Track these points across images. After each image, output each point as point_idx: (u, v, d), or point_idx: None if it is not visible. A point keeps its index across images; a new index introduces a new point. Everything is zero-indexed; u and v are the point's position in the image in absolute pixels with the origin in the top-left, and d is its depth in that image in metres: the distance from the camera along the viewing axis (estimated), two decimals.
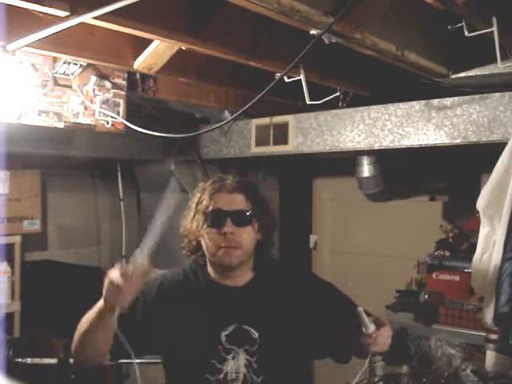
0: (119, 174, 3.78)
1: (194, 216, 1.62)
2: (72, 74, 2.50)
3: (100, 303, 1.48)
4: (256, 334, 1.54)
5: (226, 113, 3.19)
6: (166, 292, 1.62)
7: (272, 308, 1.59)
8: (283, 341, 1.56)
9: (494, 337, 2.14)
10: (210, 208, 1.57)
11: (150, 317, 1.57)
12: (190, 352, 1.53)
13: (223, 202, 1.57)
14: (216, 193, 1.60)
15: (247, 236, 1.57)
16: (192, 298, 1.60)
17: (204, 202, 1.60)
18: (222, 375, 1.50)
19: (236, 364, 1.51)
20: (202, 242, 1.60)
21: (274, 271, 1.69)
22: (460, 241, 3.08)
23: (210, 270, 1.64)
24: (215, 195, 1.59)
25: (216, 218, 1.56)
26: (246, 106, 1.97)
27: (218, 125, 2.57)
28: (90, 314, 1.53)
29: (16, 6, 1.64)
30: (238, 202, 1.58)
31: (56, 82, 2.49)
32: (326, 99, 2.34)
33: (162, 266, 3.81)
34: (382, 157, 3.05)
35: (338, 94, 2.62)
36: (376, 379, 2.84)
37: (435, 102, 2.53)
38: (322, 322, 1.60)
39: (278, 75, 1.94)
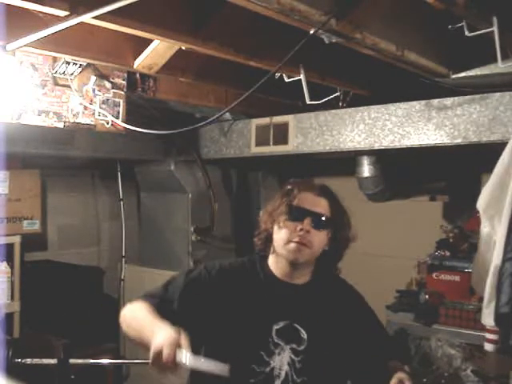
0: (119, 174, 3.78)
1: (278, 206, 1.64)
2: (72, 74, 2.50)
3: (150, 335, 1.36)
4: (305, 335, 1.56)
5: (227, 113, 3.19)
6: (224, 278, 1.63)
7: (324, 313, 1.62)
8: (329, 347, 1.58)
9: (494, 337, 2.14)
10: (295, 202, 1.61)
11: (206, 299, 1.58)
12: (241, 340, 1.54)
13: (308, 201, 1.61)
14: (305, 190, 1.65)
15: (319, 239, 1.60)
16: (248, 288, 1.62)
17: (291, 195, 1.63)
18: (268, 369, 1.51)
19: (280, 361, 1.53)
20: (275, 233, 1.62)
21: (330, 281, 1.72)
22: (460, 241, 3.08)
23: (271, 263, 1.65)
24: (303, 193, 1.64)
25: (297, 214, 1.59)
26: (236, 102, 1.99)
27: (212, 118, 2.55)
28: (140, 328, 1.46)
29: (16, 6, 1.64)
30: (322, 205, 1.63)
31: (56, 82, 2.49)
32: (326, 99, 2.34)
33: (161, 266, 3.81)
34: (382, 157, 3.05)
35: (338, 93, 2.61)
36: None
37: (435, 101, 2.53)
38: (360, 341, 1.64)
39: (277, 75, 1.94)
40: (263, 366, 1.51)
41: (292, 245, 1.57)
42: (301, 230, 1.56)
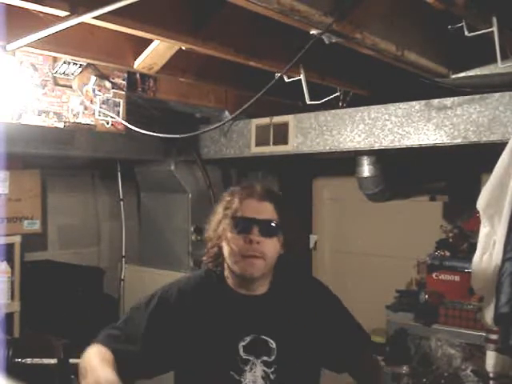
0: (119, 174, 3.78)
1: (220, 220, 1.56)
2: (72, 74, 2.50)
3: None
4: (274, 344, 1.50)
5: (226, 113, 3.20)
6: (183, 302, 1.56)
7: (289, 318, 1.56)
8: (300, 351, 1.54)
9: (494, 337, 2.14)
10: (239, 213, 1.52)
11: (170, 329, 1.53)
12: (208, 364, 1.49)
13: (252, 209, 1.52)
14: (246, 198, 1.54)
15: (272, 247, 1.52)
16: (210, 308, 1.55)
17: (233, 207, 1.54)
18: None
19: (253, 376, 1.47)
20: (224, 249, 1.54)
21: (290, 282, 1.65)
22: (460, 241, 3.08)
23: (227, 277, 1.58)
24: (245, 201, 1.54)
25: (243, 225, 1.50)
26: (245, 106, 1.97)
27: (217, 124, 2.57)
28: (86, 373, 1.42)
29: (16, 6, 1.64)
30: (267, 210, 1.53)
31: (56, 82, 2.49)
32: (326, 99, 2.34)
33: (161, 266, 3.81)
34: (382, 157, 3.05)
35: (338, 94, 2.61)
36: None
37: (435, 102, 2.53)
38: (329, 333, 1.60)
39: (277, 75, 1.94)
40: None
41: (244, 261, 1.49)
42: (250, 242, 1.48)
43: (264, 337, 1.51)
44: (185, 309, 1.54)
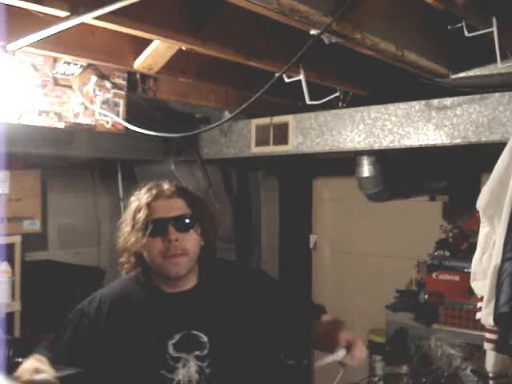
0: (119, 174, 3.79)
1: (132, 228, 1.51)
2: (72, 74, 2.50)
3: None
4: (205, 338, 1.48)
5: (226, 113, 3.20)
6: (107, 308, 1.53)
7: (219, 310, 1.54)
8: (233, 342, 1.51)
9: (493, 336, 2.14)
10: (150, 217, 1.49)
11: (94, 339, 1.49)
12: (138, 365, 1.46)
13: (162, 209, 1.50)
14: (153, 200, 1.52)
15: (192, 241, 1.51)
16: (135, 310, 1.53)
17: (142, 211, 1.51)
18: None
19: (188, 372, 1.45)
20: (144, 255, 1.51)
21: (218, 273, 1.63)
22: (460, 241, 3.09)
23: (153, 277, 1.56)
24: (153, 203, 1.52)
25: (157, 227, 1.48)
26: (244, 105, 1.97)
27: (216, 123, 2.57)
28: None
29: (16, 6, 1.64)
30: (178, 207, 1.52)
31: (56, 82, 2.49)
32: (326, 99, 2.34)
33: None
34: (382, 157, 3.05)
35: (337, 94, 2.61)
36: (376, 379, 2.84)
37: (435, 101, 2.53)
38: (270, 316, 1.57)
39: (277, 75, 1.94)
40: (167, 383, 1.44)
41: (167, 261, 1.47)
42: (169, 241, 1.46)
43: (195, 332, 1.49)
44: (107, 315, 1.51)
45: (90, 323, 1.52)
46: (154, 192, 1.55)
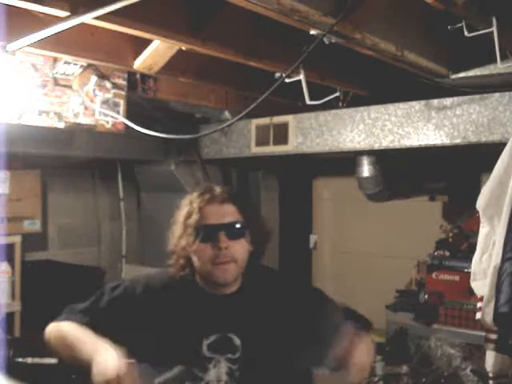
0: (119, 174, 3.79)
1: (183, 232, 1.50)
2: (72, 74, 2.50)
3: (91, 352, 1.36)
4: (238, 341, 1.47)
5: (226, 113, 3.20)
6: (150, 294, 1.53)
7: (257, 316, 1.52)
8: (266, 349, 1.49)
9: (493, 337, 2.14)
10: (201, 222, 1.47)
11: (131, 318, 1.49)
12: (173, 359, 1.46)
13: (214, 215, 1.48)
14: (206, 205, 1.49)
15: (241, 249, 1.49)
16: (175, 304, 1.52)
17: (193, 216, 1.48)
18: (203, 383, 1.45)
19: (217, 373, 1.45)
20: (193, 259, 1.50)
21: (262, 279, 1.61)
22: (460, 241, 3.09)
23: (197, 278, 1.55)
24: (205, 208, 1.48)
25: (208, 233, 1.46)
26: (249, 108, 1.97)
27: (219, 127, 2.58)
28: (77, 344, 1.44)
29: (16, 6, 1.64)
30: (230, 213, 1.49)
31: (56, 82, 2.49)
32: (326, 99, 2.34)
33: (161, 266, 3.81)
34: (382, 157, 3.05)
35: (337, 94, 2.62)
36: (376, 379, 2.84)
37: (435, 102, 2.53)
38: (307, 332, 1.54)
39: (278, 75, 1.95)
40: (198, 382, 1.44)
41: (216, 268, 1.46)
42: (219, 248, 1.44)
43: (230, 335, 1.48)
44: (149, 303, 1.52)
45: (130, 303, 1.52)
46: (206, 197, 1.51)
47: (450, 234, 3.14)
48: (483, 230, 2.18)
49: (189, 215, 1.49)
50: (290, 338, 1.53)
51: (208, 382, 1.45)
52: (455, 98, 2.47)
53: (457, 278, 2.90)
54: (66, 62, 2.41)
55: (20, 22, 1.85)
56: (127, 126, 2.72)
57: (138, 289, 1.54)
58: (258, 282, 1.59)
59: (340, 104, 3.02)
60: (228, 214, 1.49)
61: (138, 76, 2.73)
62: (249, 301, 1.54)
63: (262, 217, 1.62)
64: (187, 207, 1.52)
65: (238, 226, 1.48)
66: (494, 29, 1.85)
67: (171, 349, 1.47)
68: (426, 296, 2.95)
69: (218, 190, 1.53)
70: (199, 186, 1.61)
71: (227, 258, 1.46)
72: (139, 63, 2.35)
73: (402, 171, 3.30)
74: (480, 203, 2.16)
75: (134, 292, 1.54)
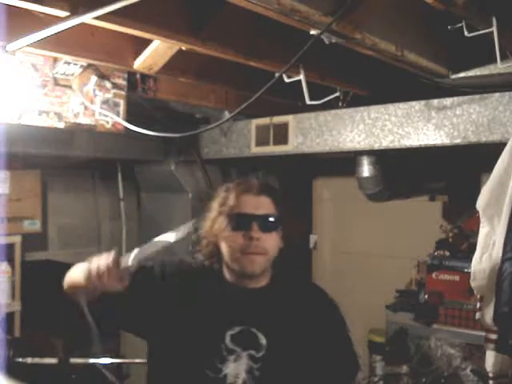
0: (119, 174, 3.79)
1: (216, 217, 1.49)
2: (72, 74, 2.50)
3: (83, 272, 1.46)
4: (264, 340, 1.45)
5: (226, 113, 3.20)
6: (178, 276, 1.54)
7: (284, 318, 1.50)
8: (291, 354, 1.47)
9: (493, 337, 2.14)
10: (236, 210, 1.46)
11: (152, 296, 1.49)
12: (192, 345, 1.44)
13: (250, 205, 1.47)
14: (242, 194, 1.49)
15: (273, 242, 1.48)
16: (202, 292, 1.52)
17: (229, 203, 1.48)
18: (221, 375, 1.41)
19: (237, 368, 1.42)
20: (222, 247, 1.49)
21: (291, 282, 1.61)
22: (460, 241, 3.09)
23: (225, 270, 1.54)
24: (241, 197, 1.48)
25: (242, 222, 1.45)
26: (244, 105, 1.97)
27: (215, 124, 2.58)
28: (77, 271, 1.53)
29: (16, 6, 1.64)
30: (265, 205, 1.48)
31: (56, 82, 2.49)
32: (326, 99, 2.34)
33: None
34: (382, 157, 3.05)
35: (337, 94, 2.62)
36: (376, 379, 2.84)
37: (435, 102, 2.53)
38: (318, 349, 1.53)
39: (277, 75, 1.94)
40: (216, 373, 1.41)
41: (245, 258, 1.44)
42: (250, 238, 1.43)
43: (254, 330, 1.46)
44: (178, 285, 1.52)
45: (155, 285, 1.52)
46: (244, 186, 1.52)
47: (450, 234, 3.14)
48: (483, 229, 2.18)
49: (224, 202, 1.50)
50: (309, 347, 1.51)
51: (226, 374, 1.42)
52: (455, 98, 2.47)
53: (457, 278, 2.90)
54: (65, 62, 2.41)
55: (20, 21, 1.85)
56: (127, 126, 2.72)
57: (167, 269, 1.55)
58: (285, 284, 1.57)
59: (340, 104, 3.02)
60: (263, 205, 1.48)
61: (137, 76, 2.73)
62: (275, 299, 1.53)
63: (293, 214, 1.60)
64: (223, 194, 1.52)
65: (271, 218, 1.48)
66: (494, 29, 1.85)
67: (193, 335, 1.46)
68: (426, 296, 2.95)
69: (255, 181, 1.55)
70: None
71: (257, 249, 1.45)
72: (139, 63, 2.35)
73: (402, 171, 3.30)
74: (480, 203, 2.16)
75: (164, 270, 1.54)
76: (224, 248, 1.49)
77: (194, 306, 1.49)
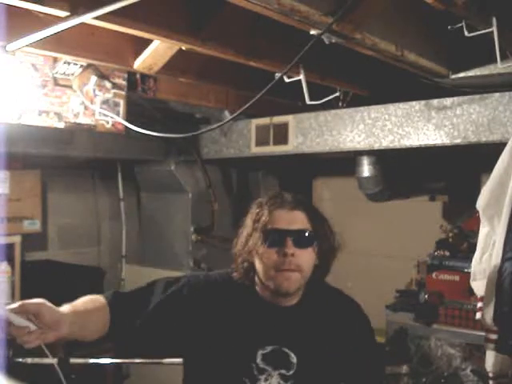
0: (119, 173, 3.79)
1: (250, 234, 1.46)
2: (72, 74, 2.50)
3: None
4: (295, 359, 1.43)
5: (226, 113, 3.20)
6: (207, 295, 1.50)
7: (316, 335, 1.48)
8: (322, 372, 1.45)
9: (493, 337, 2.14)
10: (270, 226, 1.42)
11: (185, 316, 1.46)
12: (223, 364, 1.43)
13: (283, 220, 1.43)
14: (276, 209, 1.45)
15: (308, 258, 1.44)
16: (234, 309, 1.49)
17: (262, 219, 1.44)
18: None
19: None
20: (257, 264, 1.45)
21: (323, 297, 1.56)
22: (460, 241, 3.09)
23: (258, 286, 1.51)
24: (275, 212, 1.44)
25: (276, 238, 1.41)
26: (246, 106, 1.97)
27: (217, 125, 2.58)
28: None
29: (16, 6, 1.64)
30: (300, 220, 1.44)
31: (56, 82, 2.49)
32: (326, 99, 2.34)
33: (161, 266, 3.81)
34: (382, 157, 3.05)
35: (337, 94, 2.62)
36: None
37: (435, 102, 2.53)
38: (347, 364, 1.51)
39: (277, 75, 1.95)
40: None
41: (279, 275, 1.40)
42: (284, 255, 1.39)
43: (285, 349, 1.43)
44: (209, 301, 1.48)
45: (189, 298, 1.49)
46: (277, 201, 1.48)
47: (450, 234, 3.14)
48: (483, 229, 2.18)
49: (258, 218, 1.46)
50: (340, 365, 1.49)
51: None
52: (455, 98, 2.47)
53: (457, 278, 2.90)
54: (65, 62, 2.41)
55: (20, 21, 1.85)
56: (127, 126, 2.72)
57: (196, 286, 1.51)
58: (318, 300, 1.54)
59: (340, 104, 3.02)
60: (297, 220, 1.44)
61: (137, 76, 2.73)
62: (307, 317, 1.50)
63: (333, 231, 1.56)
64: (257, 209, 1.49)
65: (306, 234, 1.44)
66: (494, 29, 1.85)
67: (225, 354, 1.43)
68: (426, 296, 2.95)
69: (289, 195, 1.50)
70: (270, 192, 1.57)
71: (292, 266, 1.41)
72: (139, 63, 2.35)
73: (402, 171, 3.30)
74: (480, 203, 2.16)
75: (192, 289, 1.50)
76: (258, 265, 1.45)
77: (226, 324, 1.46)
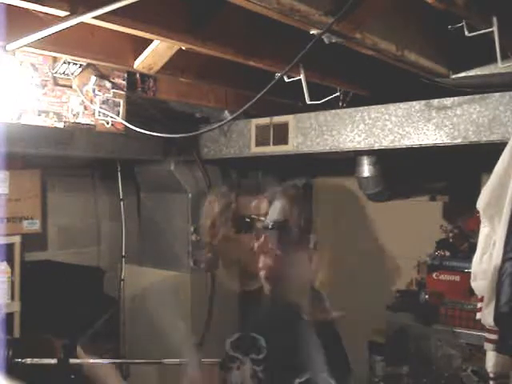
0: (119, 174, 3.78)
1: None
2: (72, 74, 2.50)
3: None
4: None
5: (226, 113, 3.19)
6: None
7: None
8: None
9: (494, 337, 2.14)
10: None
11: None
12: None
13: None
14: None
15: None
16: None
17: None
18: None
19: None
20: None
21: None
22: (460, 241, 3.09)
23: None
24: None
25: None
26: (246, 106, 1.97)
27: (217, 125, 2.58)
28: None
29: (16, 6, 1.64)
30: None
31: (56, 82, 2.49)
32: (326, 99, 2.34)
33: (161, 266, 3.81)
34: (382, 157, 3.05)
35: (338, 94, 2.61)
36: (376, 379, 2.84)
37: (435, 102, 2.53)
38: None
39: (277, 75, 1.94)
40: None
41: None
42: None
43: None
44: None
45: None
46: None
47: (451, 234, 3.14)
48: (484, 230, 2.18)
49: None
50: None
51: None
52: (455, 98, 2.47)
53: (457, 278, 2.90)
54: (65, 62, 2.40)
55: (20, 21, 1.85)
56: (127, 126, 2.72)
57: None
58: None
59: (340, 104, 3.02)
60: None
61: (137, 76, 2.72)
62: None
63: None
64: None
65: None
66: (495, 28, 1.84)
67: None
68: (427, 296, 2.95)
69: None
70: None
71: None
72: (139, 63, 2.34)
73: (402, 171, 3.30)
74: (480, 203, 2.16)
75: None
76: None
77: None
